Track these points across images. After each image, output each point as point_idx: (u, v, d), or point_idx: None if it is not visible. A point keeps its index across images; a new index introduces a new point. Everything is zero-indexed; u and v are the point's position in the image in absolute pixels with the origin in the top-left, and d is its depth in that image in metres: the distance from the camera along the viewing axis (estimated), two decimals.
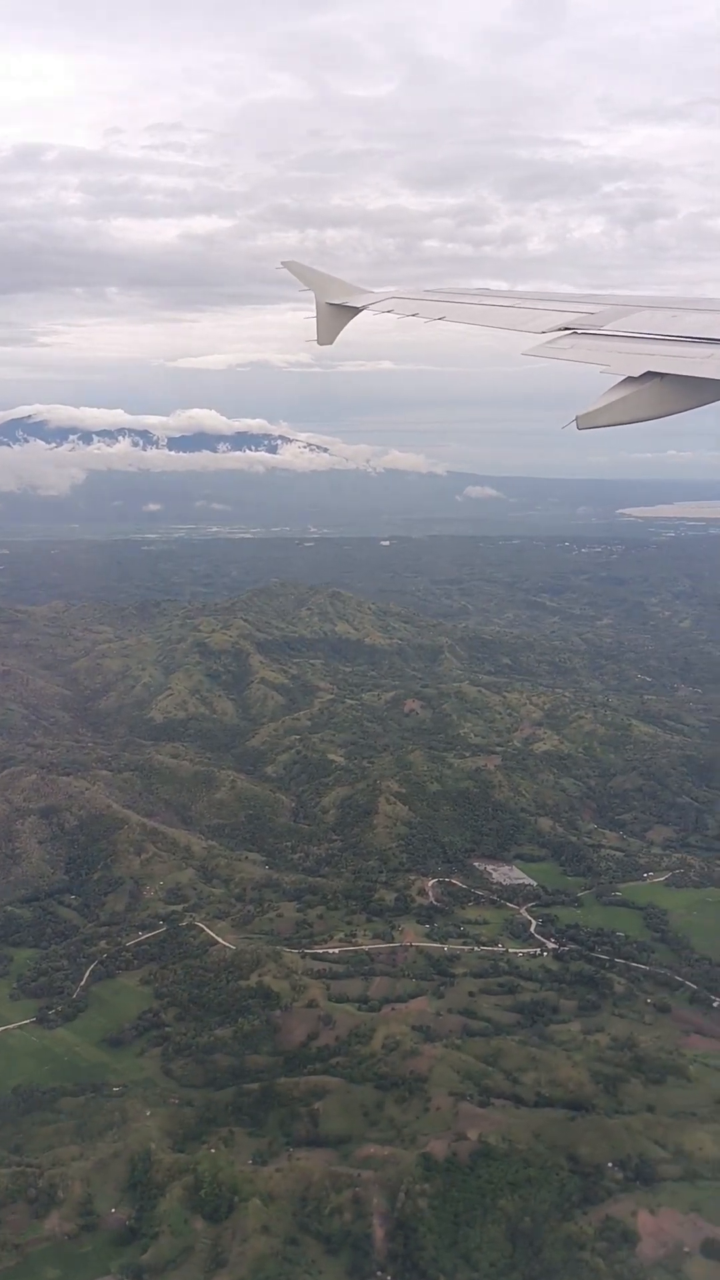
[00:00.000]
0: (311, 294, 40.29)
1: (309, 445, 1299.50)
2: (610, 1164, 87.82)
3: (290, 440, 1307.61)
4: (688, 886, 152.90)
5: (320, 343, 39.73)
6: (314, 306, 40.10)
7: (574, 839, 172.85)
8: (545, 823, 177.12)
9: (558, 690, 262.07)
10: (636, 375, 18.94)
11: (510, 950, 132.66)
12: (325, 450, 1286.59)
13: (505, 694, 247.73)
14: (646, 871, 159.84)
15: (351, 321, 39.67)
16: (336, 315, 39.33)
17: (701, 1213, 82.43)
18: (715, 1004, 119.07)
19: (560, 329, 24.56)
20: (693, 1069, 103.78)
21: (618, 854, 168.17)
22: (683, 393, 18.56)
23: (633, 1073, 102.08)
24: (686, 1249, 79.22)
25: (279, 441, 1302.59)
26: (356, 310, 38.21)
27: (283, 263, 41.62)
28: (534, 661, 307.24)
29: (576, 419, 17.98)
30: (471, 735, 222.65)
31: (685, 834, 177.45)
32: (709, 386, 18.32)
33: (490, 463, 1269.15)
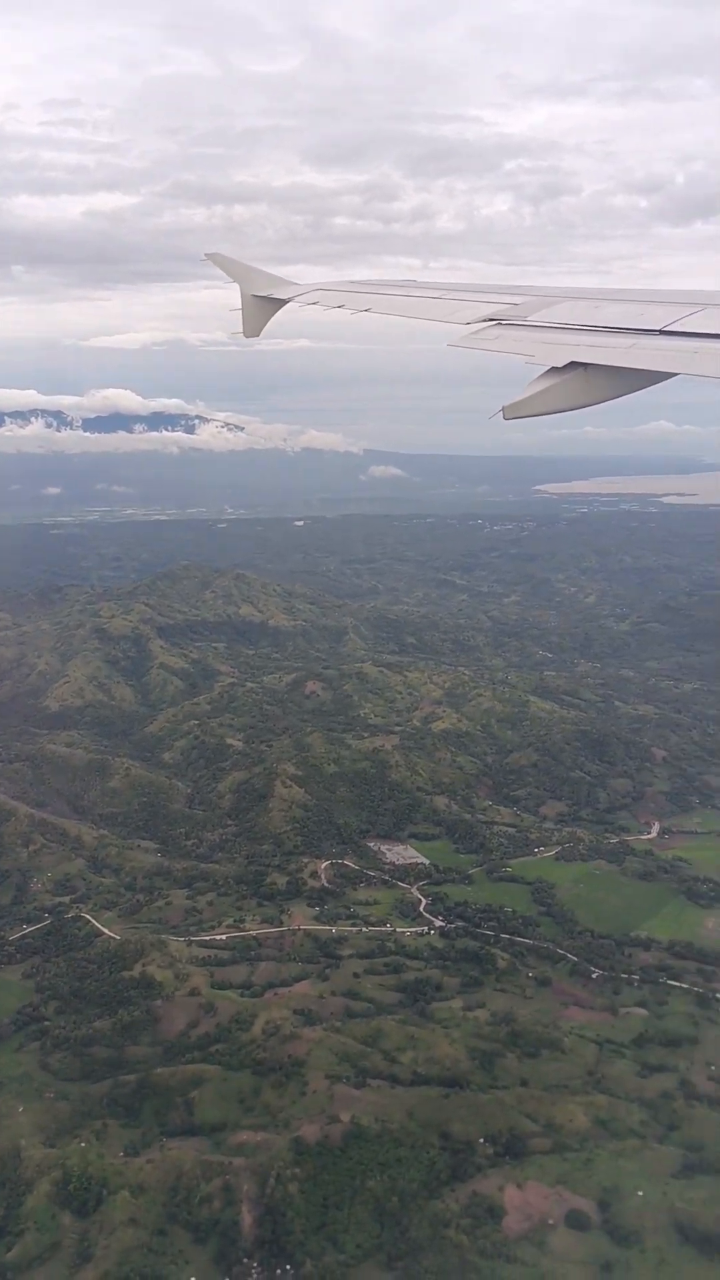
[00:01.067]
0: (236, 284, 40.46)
1: (226, 425, 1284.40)
2: (481, 1140, 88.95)
3: (207, 420, 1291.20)
4: (576, 860, 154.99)
5: (246, 335, 39.95)
6: (234, 292, 40.21)
7: (468, 816, 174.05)
8: (441, 801, 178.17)
9: (459, 668, 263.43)
10: (561, 365, 19.30)
11: (398, 930, 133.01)
12: (242, 430, 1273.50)
13: (406, 673, 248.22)
14: (538, 846, 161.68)
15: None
16: (262, 307, 39.58)
17: (568, 1184, 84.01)
18: (595, 975, 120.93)
19: (485, 320, 24.79)
20: (568, 1041, 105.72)
21: (510, 830, 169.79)
22: (606, 382, 19.07)
23: (509, 1047, 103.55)
24: (551, 1221, 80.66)
25: (196, 421, 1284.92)
26: (283, 302, 38.32)
27: (206, 255, 41.92)
28: (438, 640, 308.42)
29: (503, 410, 18.26)
30: (371, 716, 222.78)
31: (577, 808, 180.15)
32: (630, 376, 18.84)
33: (407, 440, 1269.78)
